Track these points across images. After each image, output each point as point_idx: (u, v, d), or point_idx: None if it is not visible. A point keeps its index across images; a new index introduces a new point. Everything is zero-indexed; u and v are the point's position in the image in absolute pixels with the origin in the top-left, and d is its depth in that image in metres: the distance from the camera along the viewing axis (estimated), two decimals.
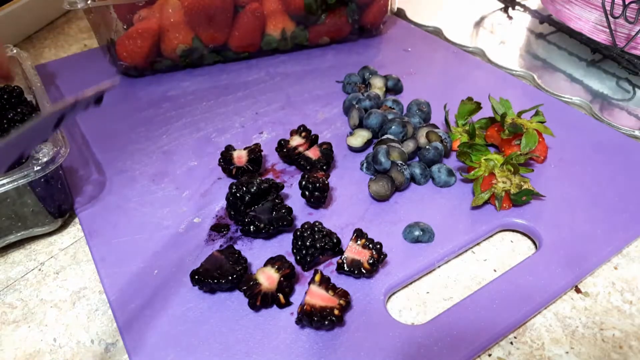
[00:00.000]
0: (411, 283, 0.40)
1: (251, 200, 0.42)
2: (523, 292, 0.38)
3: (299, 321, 0.36)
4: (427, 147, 0.48)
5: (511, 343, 0.36)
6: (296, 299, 0.38)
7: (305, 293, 0.36)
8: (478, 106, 0.51)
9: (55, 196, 0.44)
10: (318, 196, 0.43)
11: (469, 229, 0.43)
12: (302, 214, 0.45)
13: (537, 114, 0.49)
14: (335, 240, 0.40)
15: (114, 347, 0.37)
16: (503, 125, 0.48)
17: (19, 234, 0.43)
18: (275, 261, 0.38)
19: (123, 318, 0.37)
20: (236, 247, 0.42)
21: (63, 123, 0.28)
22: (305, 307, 0.35)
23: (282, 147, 0.50)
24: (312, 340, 0.35)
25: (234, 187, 0.42)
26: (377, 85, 0.58)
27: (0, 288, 0.41)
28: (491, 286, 0.38)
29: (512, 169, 0.44)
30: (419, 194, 0.46)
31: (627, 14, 0.55)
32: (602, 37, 0.61)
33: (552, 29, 0.70)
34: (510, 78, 0.62)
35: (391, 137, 0.50)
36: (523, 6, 0.75)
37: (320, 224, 0.41)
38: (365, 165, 0.49)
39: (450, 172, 0.47)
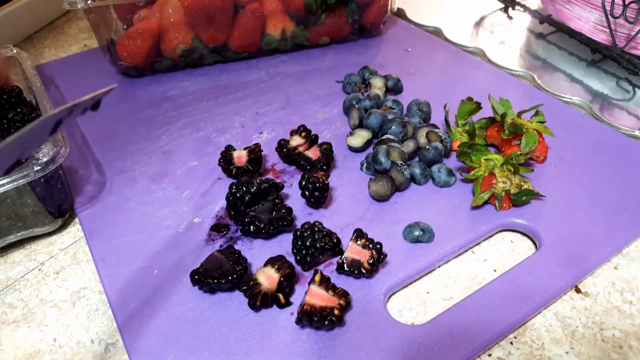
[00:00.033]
0: (411, 283, 0.40)
1: (251, 200, 0.42)
2: (523, 292, 0.38)
3: (299, 321, 0.36)
4: (427, 147, 0.48)
5: (511, 343, 0.36)
6: (296, 299, 0.38)
7: (305, 293, 0.36)
8: (478, 106, 0.51)
9: (55, 196, 0.44)
10: (318, 196, 0.43)
11: (469, 229, 0.43)
12: (302, 214, 0.45)
13: (537, 114, 0.49)
14: (335, 240, 0.40)
15: (114, 347, 0.37)
16: (503, 125, 0.48)
17: (19, 234, 0.43)
18: (275, 261, 0.38)
19: (123, 318, 0.37)
20: (236, 247, 0.42)
21: (60, 128, 0.28)
22: (305, 307, 0.35)
23: (282, 147, 0.50)
24: (312, 340, 0.35)
25: (234, 187, 0.42)
26: (377, 85, 0.58)
27: (0, 288, 0.41)
28: (491, 286, 0.38)
29: (512, 169, 0.44)
30: (419, 194, 0.46)
31: (627, 14, 0.55)
32: (602, 37, 0.61)
33: (552, 29, 0.70)
34: (510, 78, 0.62)
35: (391, 137, 0.50)
36: (523, 6, 0.75)
37: (320, 224, 0.41)
38: (365, 165, 0.49)
39: (450, 172, 0.47)
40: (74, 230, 0.46)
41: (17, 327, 0.38)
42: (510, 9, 0.77)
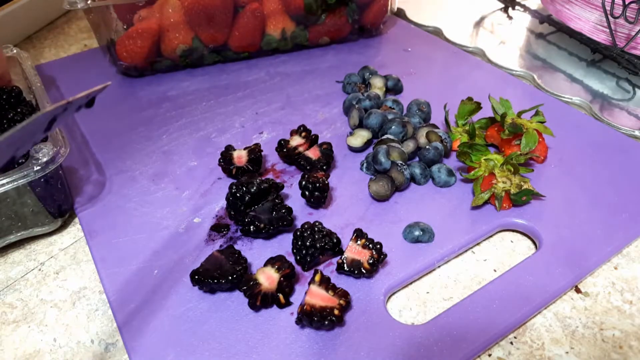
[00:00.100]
0: (411, 283, 0.40)
1: (251, 200, 0.42)
2: (523, 292, 0.38)
3: (299, 321, 0.36)
4: (427, 147, 0.48)
5: (511, 343, 0.36)
6: (296, 299, 0.38)
7: (305, 293, 0.36)
8: (478, 106, 0.51)
9: (55, 196, 0.44)
10: (318, 196, 0.43)
11: (469, 229, 0.43)
12: (302, 214, 0.45)
13: (537, 114, 0.49)
14: (335, 240, 0.40)
15: (114, 347, 0.37)
16: (503, 125, 0.48)
17: (19, 234, 0.43)
18: (275, 261, 0.38)
19: (123, 318, 0.37)
20: (236, 247, 0.42)
21: (55, 125, 0.28)
22: (305, 307, 0.35)
23: (282, 147, 0.50)
24: (312, 340, 0.35)
25: (234, 187, 0.42)
26: (377, 85, 0.58)
27: (0, 288, 0.41)
28: (491, 286, 0.38)
29: (512, 169, 0.45)
30: (419, 194, 0.46)
31: (627, 14, 0.55)
32: (602, 37, 0.61)
33: (552, 29, 0.70)
34: (510, 78, 0.62)
35: (391, 137, 0.50)
36: (523, 6, 0.75)
37: (320, 224, 0.41)
38: (365, 165, 0.49)
39: (450, 172, 0.47)
40: (74, 230, 0.46)
41: (17, 327, 0.38)
42: (510, 9, 0.77)
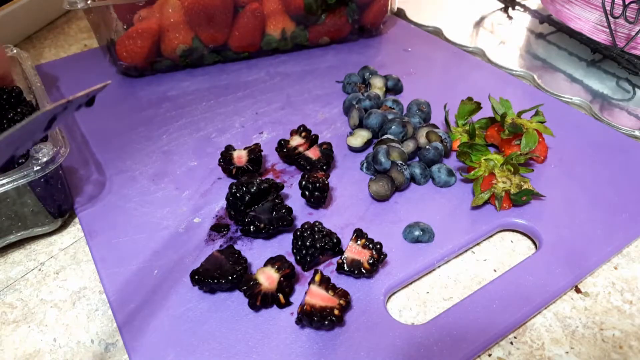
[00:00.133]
0: (411, 283, 0.40)
1: (251, 200, 0.42)
2: (523, 292, 0.38)
3: (299, 321, 0.36)
4: (427, 147, 0.48)
5: (511, 343, 0.36)
6: (296, 299, 0.38)
7: (305, 293, 0.36)
8: (478, 106, 0.51)
9: (55, 196, 0.44)
10: (318, 196, 0.43)
11: (469, 229, 0.43)
12: (302, 214, 0.45)
13: (537, 114, 0.49)
14: (335, 240, 0.40)
15: (114, 347, 0.37)
16: (503, 125, 0.48)
17: (19, 234, 0.43)
18: (275, 261, 0.38)
19: (123, 318, 0.37)
20: (236, 247, 0.42)
21: (55, 124, 0.28)
22: (305, 307, 0.35)
23: (282, 147, 0.50)
24: (312, 340, 0.35)
25: (234, 187, 0.42)
26: (377, 85, 0.58)
27: (0, 288, 0.41)
28: (491, 286, 0.38)
29: (512, 169, 0.45)
30: (419, 194, 0.46)
31: (627, 14, 0.55)
32: (602, 37, 0.61)
33: (552, 29, 0.70)
34: (510, 78, 0.62)
35: (391, 137, 0.50)
36: (523, 6, 0.75)
37: (320, 224, 0.41)
38: (365, 165, 0.49)
39: (450, 172, 0.47)
40: (74, 230, 0.46)
41: (17, 327, 0.38)
42: (510, 9, 0.77)
